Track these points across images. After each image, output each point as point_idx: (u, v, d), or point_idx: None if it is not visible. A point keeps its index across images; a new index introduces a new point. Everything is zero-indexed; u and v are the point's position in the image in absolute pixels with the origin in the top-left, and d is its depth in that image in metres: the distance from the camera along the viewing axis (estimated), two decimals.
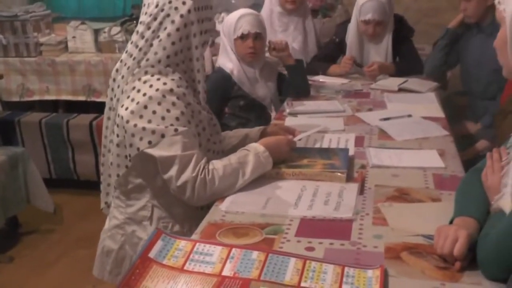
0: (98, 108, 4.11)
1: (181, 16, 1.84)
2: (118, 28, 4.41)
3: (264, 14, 3.54)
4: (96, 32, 4.52)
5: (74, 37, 4.54)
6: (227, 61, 3.00)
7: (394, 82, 3.32)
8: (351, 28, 3.58)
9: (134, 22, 4.31)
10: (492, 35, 2.91)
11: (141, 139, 1.77)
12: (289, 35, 3.69)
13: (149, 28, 1.86)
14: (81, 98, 4.46)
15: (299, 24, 3.78)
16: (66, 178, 4.35)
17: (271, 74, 3.11)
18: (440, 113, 2.77)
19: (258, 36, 2.94)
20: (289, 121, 2.71)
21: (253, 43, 2.92)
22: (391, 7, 3.49)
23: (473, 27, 3.28)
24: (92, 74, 4.38)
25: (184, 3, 1.85)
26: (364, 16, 3.43)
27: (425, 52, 3.79)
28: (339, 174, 1.96)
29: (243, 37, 2.92)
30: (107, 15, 5.13)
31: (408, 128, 2.51)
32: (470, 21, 3.25)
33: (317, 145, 2.34)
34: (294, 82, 3.11)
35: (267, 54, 3.10)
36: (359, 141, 2.38)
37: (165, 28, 1.85)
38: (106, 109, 1.97)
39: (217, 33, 3.99)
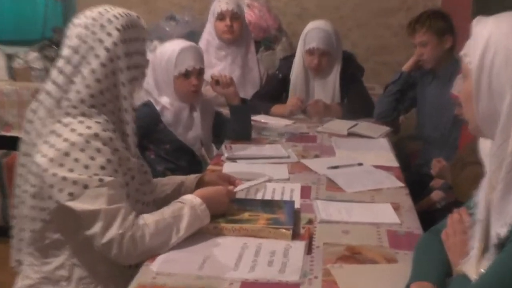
0: (9, 143, 3.98)
1: (106, 49, 1.81)
2: (35, 54, 4.33)
3: (201, 46, 3.51)
4: (10, 57, 4.42)
5: None
6: (158, 98, 2.87)
7: (343, 125, 3.35)
8: (296, 63, 3.62)
9: (54, 47, 4.23)
10: (450, 81, 2.97)
11: (61, 190, 1.71)
12: (226, 69, 3.67)
13: (69, 62, 1.81)
14: None
15: (238, 58, 3.80)
16: None
17: (207, 113, 3.04)
18: (393, 162, 2.80)
19: (201, 72, 2.89)
20: (228, 167, 2.69)
21: (196, 80, 2.86)
22: (338, 40, 3.56)
23: (429, 73, 3.37)
24: (4, 105, 4.23)
25: (109, 34, 1.82)
26: (308, 45, 3.49)
27: (375, 92, 3.86)
28: (284, 230, 1.94)
29: (187, 74, 2.84)
30: (24, 38, 5.01)
31: (359, 178, 2.52)
32: (426, 67, 3.34)
33: (259, 196, 2.33)
34: (236, 124, 3.06)
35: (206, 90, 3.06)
36: (305, 192, 2.38)
37: (89, 63, 1.80)
38: (20, 155, 1.90)
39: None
